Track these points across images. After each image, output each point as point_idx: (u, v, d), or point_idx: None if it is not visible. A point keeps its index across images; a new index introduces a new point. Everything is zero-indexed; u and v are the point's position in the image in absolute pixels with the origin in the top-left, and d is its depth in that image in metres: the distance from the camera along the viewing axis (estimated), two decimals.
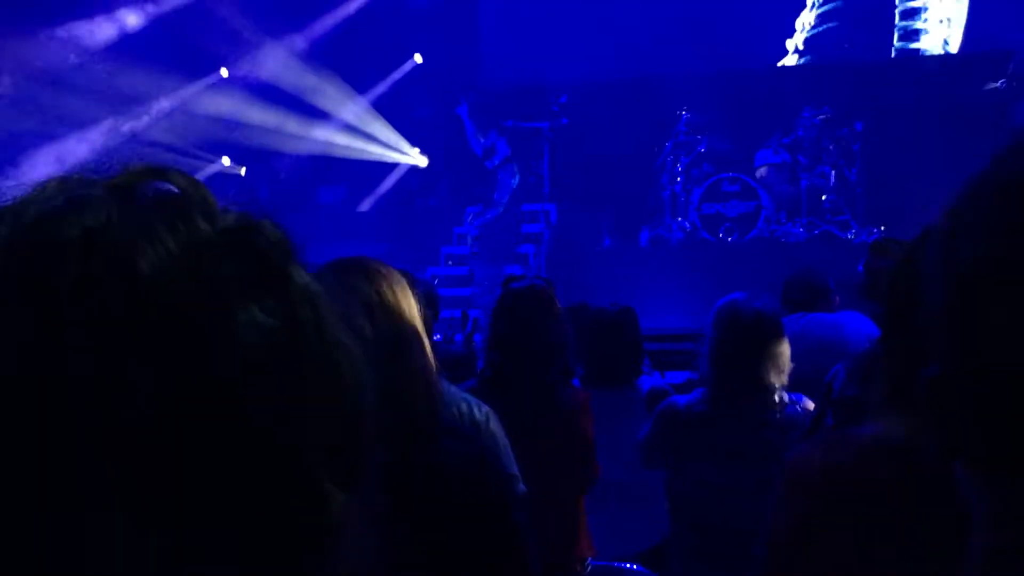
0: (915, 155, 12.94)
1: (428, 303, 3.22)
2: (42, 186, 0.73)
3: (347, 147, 15.87)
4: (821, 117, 13.43)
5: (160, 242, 0.68)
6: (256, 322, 0.70)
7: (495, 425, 3.16)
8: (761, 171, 13.39)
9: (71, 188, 0.72)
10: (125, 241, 0.67)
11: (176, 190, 0.74)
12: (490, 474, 2.51)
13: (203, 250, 0.70)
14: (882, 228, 12.40)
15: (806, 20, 15.39)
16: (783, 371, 3.98)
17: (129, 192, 0.71)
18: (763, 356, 3.90)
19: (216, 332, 0.67)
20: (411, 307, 2.56)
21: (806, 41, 15.37)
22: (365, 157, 15.85)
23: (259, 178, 15.93)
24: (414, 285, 2.69)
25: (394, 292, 2.55)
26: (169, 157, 14.93)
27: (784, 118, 13.57)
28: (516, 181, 13.12)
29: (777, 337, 3.96)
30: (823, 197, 13.29)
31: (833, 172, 13.32)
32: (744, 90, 14.41)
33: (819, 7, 15.30)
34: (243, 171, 16.17)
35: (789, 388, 4.30)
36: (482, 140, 13.35)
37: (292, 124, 15.76)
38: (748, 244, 12.99)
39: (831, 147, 13.39)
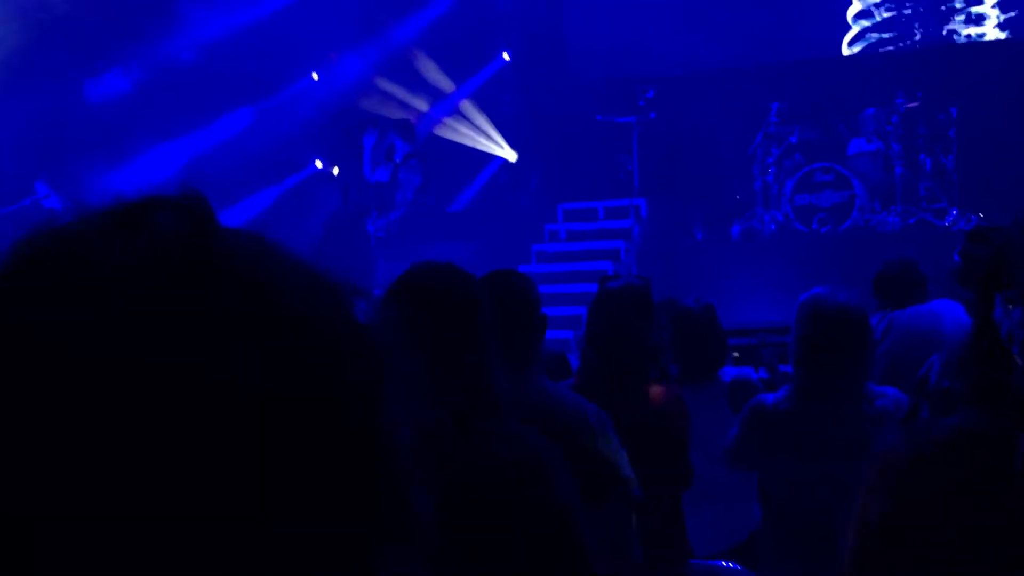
0: (1013, 140, 12.71)
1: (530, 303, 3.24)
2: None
3: (443, 138, 16.00)
4: (914, 103, 13.24)
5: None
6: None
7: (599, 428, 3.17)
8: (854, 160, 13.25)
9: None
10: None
11: None
12: (540, 483, 2.51)
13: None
14: (980, 215, 12.20)
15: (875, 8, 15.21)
16: (869, 364, 3.94)
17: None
18: (848, 350, 3.86)
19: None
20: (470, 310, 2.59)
21: (882, 27, 15.16)
22: (466, 143, 15.96)
23: (351, 179, 16.10)
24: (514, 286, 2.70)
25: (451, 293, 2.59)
26: (266, 160, 15.27)
27: (877, 105, 13.40)
28: (419, 179, 12.97)
29: (862, 330, 3.91)
30: (918, 185, 13.11)
31: (928, 159, 13.13)
32: (834, 78, 14.24)
33: None
34: (336, 171, 16.36)
35: (885, 380, 4.26)
36: (379, 168, 13.26)
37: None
38: (842, 234, 12.85)
39: (926, 133, 13.20)
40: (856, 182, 12.96)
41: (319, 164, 16.39)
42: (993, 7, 14.72)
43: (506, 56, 16.18)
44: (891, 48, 15.13)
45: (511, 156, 16.11)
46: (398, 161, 12.74)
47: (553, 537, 2.45)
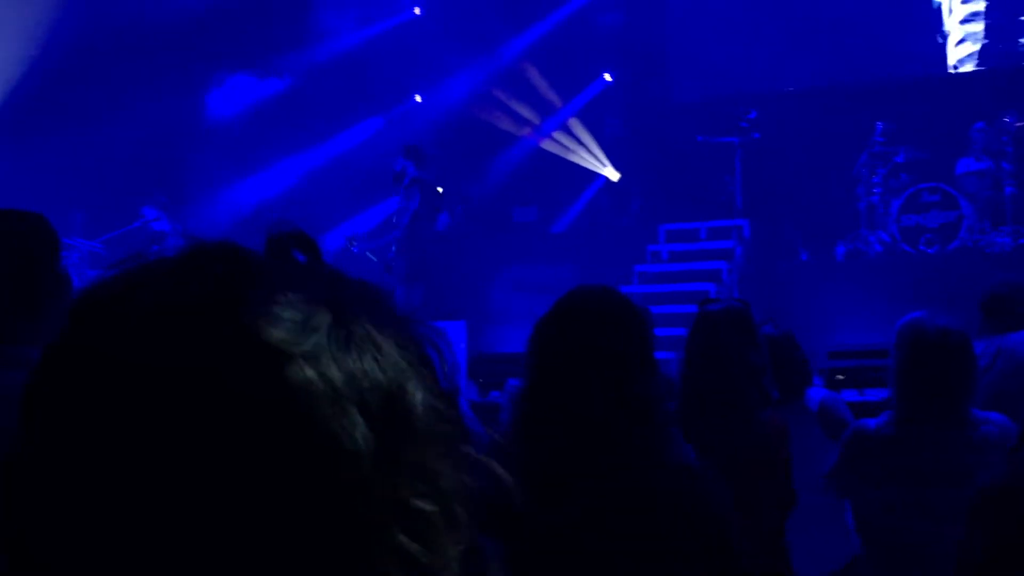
0: None
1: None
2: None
3: (547, 158, 16.08)
4: None
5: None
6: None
7: None
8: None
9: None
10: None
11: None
12: (709, 516, 2.52)
13: None
14: None
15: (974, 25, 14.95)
16: (972, 389, 3.86)
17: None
18: (949, 375, 3.79)
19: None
20: (628, 338, 2.59)
21: (990, 43, 14.90)
22: (572, 159, 16.03)
23: (453, 199, 16.24)
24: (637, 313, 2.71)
25: (610, 324, 2.59)
26: (373, 180, 15.48)
27: (985, 123, 13.15)
28: (416, 204, 12.95)
29: (963, 355, 3.83)
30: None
31: None
32: (941, 96, 14.03)
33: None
34: (440, 190, 16.51)
35: (992, 407, 4.18)
36: (395, 167, 13.29)
37: (487, 145, 16.05)
38: (950, 255, 12.62)
39: None
40: (964, 202, 12.73)
41: None
42: None
43: (608, 77, 16.21)
44: (1000, 65, 14.85)
45: (614, 176, 16.12)
46: (405, 184, 12.87)
47: (713, 551, 2.46)
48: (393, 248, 12.68)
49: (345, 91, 15.56)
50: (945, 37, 15.10)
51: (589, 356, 2.56)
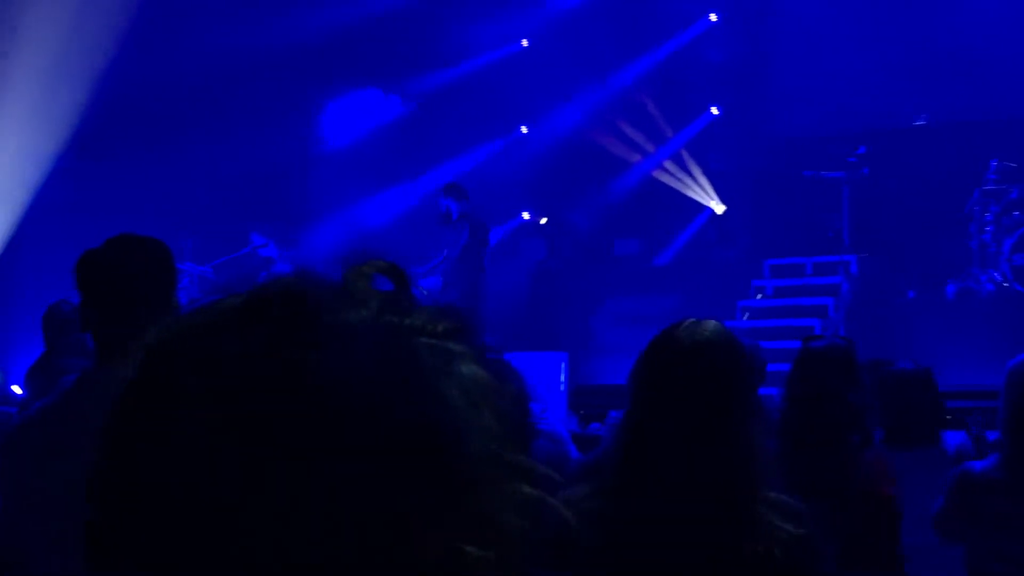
0: None
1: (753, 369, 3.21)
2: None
3: (650, 190, 16.09)
4: None
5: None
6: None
7: None
8: None
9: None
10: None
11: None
12: (816, 563, 2.49)
13: None
14: None
15: None
16: None
17: None
18: None
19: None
20: (738, 381, 2.58)
21: None
22: (681, 189, 16.02)
23: (557, 232, 16.29)
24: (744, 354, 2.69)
25: (713, 365, 2.57)
26: (479, 209, 15.62)
27: None
28: (466, 237, 12.92)
29: None
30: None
31: None
32: None
33: None
34: (544, 220, 16.59)
35: None
36: (439, 207, 13.34)
37: (590, 176, 16.10)
38: None
39: None
40: None
41: (526, 215, 16.63)
42: None
43: (715, 110, 16.17)
44: None
45: (719, 208, 16.05)
46: (454, 220, 12.96)
47: None
48: (441, 281, 12.80)
49: (456, 119, 15.71)
50: None
51: (691, 391, 2.55)
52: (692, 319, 2.74)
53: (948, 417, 8.49)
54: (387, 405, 0.73)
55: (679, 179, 16.11)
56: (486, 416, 0.77)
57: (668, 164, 16.20)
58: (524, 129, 16.71)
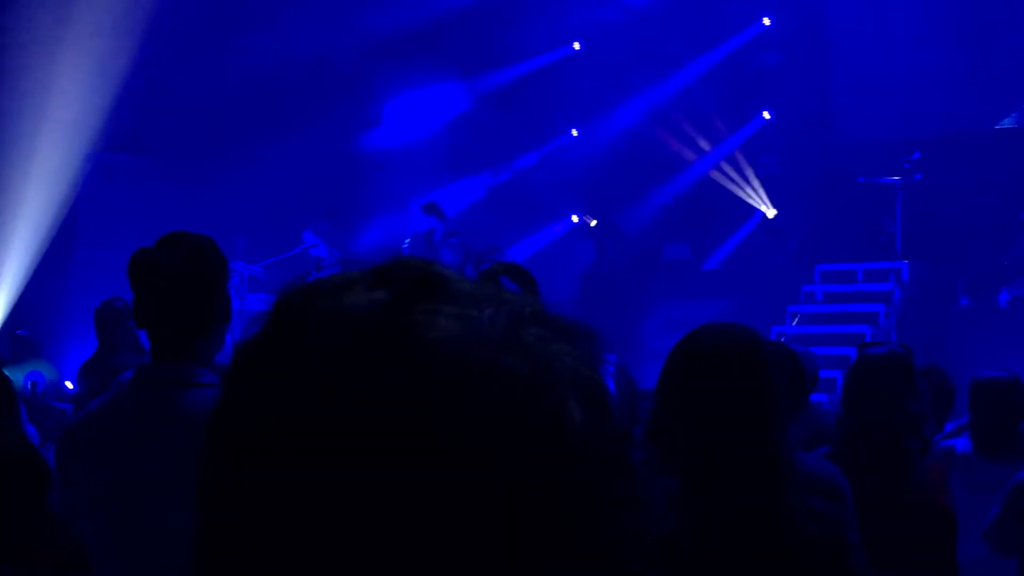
0: None
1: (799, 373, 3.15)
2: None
3: (701, 194, 16.07)
4: None
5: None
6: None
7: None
8: None
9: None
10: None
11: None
12: (841, 555, 2.47)
13: None
14: None
15: None
16: None
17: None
18: None
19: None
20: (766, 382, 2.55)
21: None
22: (734, 191, 15.99)
23: (607, 235, 16.27)
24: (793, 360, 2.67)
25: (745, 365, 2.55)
26: (527, 212, 15.64)
27: None
28: (460, 257, 12.75)
29: None
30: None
31: None
32: None
33: None
34: (594, 223, 16.59)
35: None
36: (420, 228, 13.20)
37: (640, 179, 16.10)
38: None
39: None
40: None
41: (575, 218, 16.64)
42: None
43: (766, 115, 16.10)
44: None
45: (770, 213, 15.98)
46: (437, 240, 12.88)
47: None
48: None
49: (508, 122, 15.76)
50: None
51: (710, 398, 2.54)
52: (715, 323, 2.73)
53: None
54: (505, 382, 0.73)
55: (733, 181, 16.06)
56: (595, 414, 0.76)
57: (722, 166, 16.16)
58: (575, 132, 16.71)
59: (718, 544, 2.44)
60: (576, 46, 16.61)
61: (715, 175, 16.17)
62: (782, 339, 11.20)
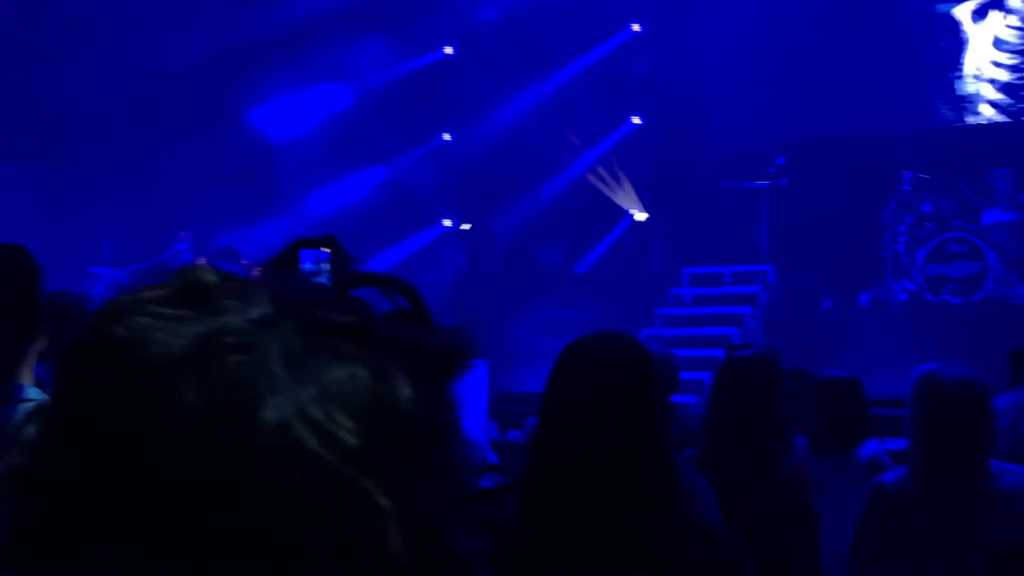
0: None
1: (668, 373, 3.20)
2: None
3: (572, 198, 16.17)
4: None
5: None
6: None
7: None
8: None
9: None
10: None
11: None
12: (727, 560, 2.50)
13: None
14: None
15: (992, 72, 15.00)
16: (990, 441, 3.79)
17: None
18: (966, 427, 3.71)
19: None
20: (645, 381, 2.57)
21: (1013, 96, 14.93)
22: (606, 193, 16.12)
23: (480, 239, 16.29)
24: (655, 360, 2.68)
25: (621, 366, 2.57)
26: (397, 216, 15.54)
27: (1014, 174, 13.12)
28: None
29: (980, 406, 3.76)
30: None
31: None
32: (969, 146, 14.02)
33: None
34: (467, 227, 16.59)
35: (1020, 460, 4.14)
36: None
37: (513, 184, 16.13)
38: (975, 307, 12.58)
39: None
40: (990, 253, 12.69)
41: (447, 223, 16.62)
42: None
43: (636, 120, 16.29)
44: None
45: (640, 217, 16.16)
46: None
47: None
48: None
49: (384, 126, 15.65)
50: (976, 88, 15.12)
51: (601, 403, 2.55)
52: (601, 330, 2.75)
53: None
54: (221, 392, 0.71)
55: (604, 185, 16.20)
56: (342, 421, 0.72)
57: (593, 170, 16.29)
58: (447, 136, 16.69)
59: (598, 552, 2.45)
60: (448, 50, 16.61)
61: (591, 175, 16.29)
62: (650, 342, 11.33)
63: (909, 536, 3.77)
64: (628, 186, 16.15)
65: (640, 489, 2.50)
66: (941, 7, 15.27)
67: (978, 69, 15.12)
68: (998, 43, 15.06)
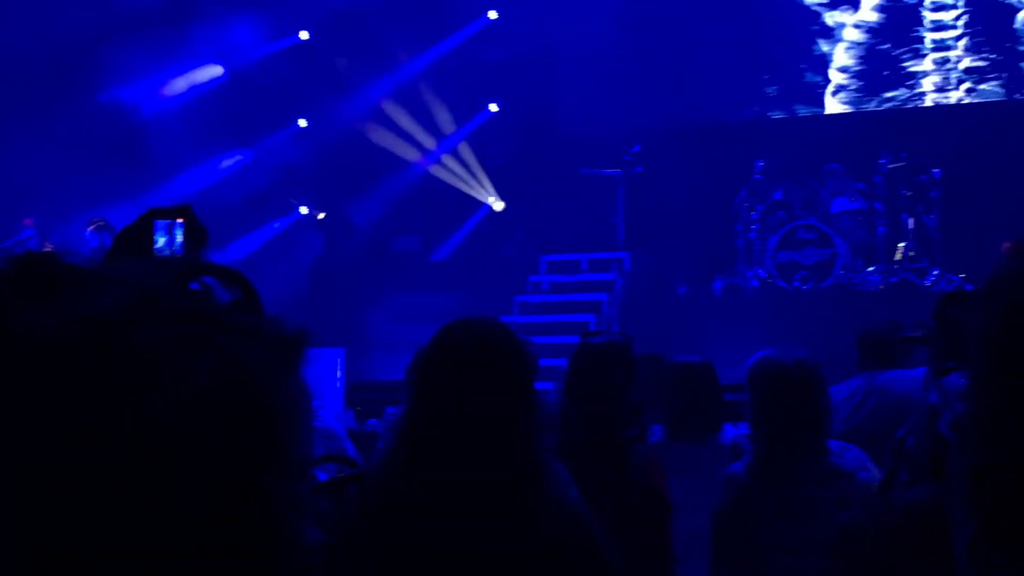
0: (997, 201, 12.76)
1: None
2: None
3: (430, 186, 16.11)
4: (898, 164, 13.31)
5: None
6: None
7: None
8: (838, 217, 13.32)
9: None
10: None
11: None
12: (600, 557, 2.49)
13: None
14: (962, 276, 12.24)
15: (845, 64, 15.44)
16: (827, 422, 3.89)
17: None
18: (802, 409, 3.81)
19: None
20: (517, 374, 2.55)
21: (867, 87, 15.37)
22: (459, 187, 16.08)
23: (337, 227, 16.12)
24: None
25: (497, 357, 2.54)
26: (252, 205, 15.26)
27: (860, 165, 13.46)
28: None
29: (815, 388, 3.86)
30: (900, 244, 13.16)
31: (911, 219, 13.18)
32: (819, 137, 14.34)
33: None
34: (322, 216, 16.39)
35: (866, 443, 4.23)
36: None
37: (371, 170, 16.00)
38: (824, 292, 12.88)
39: (908, 194, 13.25)
40: (838, 240, 13.01)
41: (304, 210, 16.40)
42: (971, 72, 14.92)
43: (494, 107, 16.29)
44: (875, 108, 15.28)
45: (498, 205, 16.17)
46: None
47: None
48: None
49: (233, 112, 15.34)
50: (826, 81, 15.49)
51: (469, 390, 2.52)
52: (468, 317, 2.71)
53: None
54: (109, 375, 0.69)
55: (458, 176, 16.17)
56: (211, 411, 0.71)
57: (447, 160, 16.24)
58: (303, 122, 16.45)
59: (473, 543, 2.42)
60: (304, 35, 16.36)
61: (441, 169, 16.24)
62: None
63: (761, 519, 3.84)
64: (483, 176, 16.15)
65: (510, 475, 2.48)
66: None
67: (830, 60, 15.48)
68: (849, 34, 15.45)
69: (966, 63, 15.03)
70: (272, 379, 0.74)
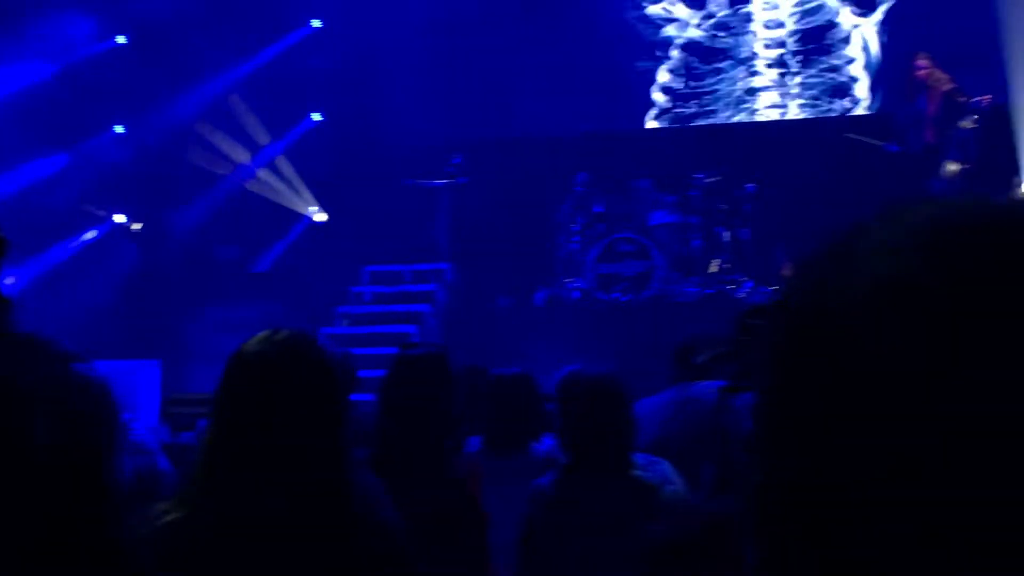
0: (809, 216, 13.14)
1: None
2: None
3: (251, 196, 15.85)
4: (714, 178, 13.64)
5: None
6: None
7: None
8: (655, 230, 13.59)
9: None
10: None
11: None
12: (401, 556, 2.48)
13: None
14: (775, 288, 12.58)
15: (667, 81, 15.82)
16: (630, 436, 3.99)
17: None
18: (605, 426, 3.91)
19: None
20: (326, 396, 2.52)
21: (685, 103, 15.75)
22: (278, 200, 15.85)
23: (152, 236, 15.74)
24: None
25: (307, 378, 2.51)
26: (64, 213, 14.75)
27: (678, 179, 13.75)
28: None
29: (619, 405, 3.97)
30: (716, 257, 13.48)
31: (726, 232, 13.52)
32: (639, 150, 14.61)
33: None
34: (138, 227, 15.96)
35: (681, 453, 4.32)
36: None
37: (191, 179, 15.66)
38: (643, 303, 13.10)
39: (723, 208, 13.59)
40: (656, 252, 13.25)
41: (119, 218, 15.95)
42: (790, 90, 15.42)
43: (316, 116, 16.15)
44: (693, 123, 15.66)
45: (320, 217, 16.03)
46: None
47: None
48: None
49: (50, 118, 14.83)
50: (648, 96, 15.80)
51: (276, 403, 2.49)
52: (277, 329, 2.67)
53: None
54: None
55: (277, 190, 15.96)
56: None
57: (265, 174, 16.01)
58: (120, 129, 16.01)
59: (278, 570, 2.38)
60: (121, 39, 15.93)
61: (257, 183, 16.01)
62: (330, 341, 11.25)
63: (567, 533, 3.89)
64: (302, 188, 15.98)
65: (314, 489, 2.45)
66: (626, 12, 15.87)
67: (654, 75, 15.81)
68: (678, 50, 15.81)
69: (797, 80, 15.53)
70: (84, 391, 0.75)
